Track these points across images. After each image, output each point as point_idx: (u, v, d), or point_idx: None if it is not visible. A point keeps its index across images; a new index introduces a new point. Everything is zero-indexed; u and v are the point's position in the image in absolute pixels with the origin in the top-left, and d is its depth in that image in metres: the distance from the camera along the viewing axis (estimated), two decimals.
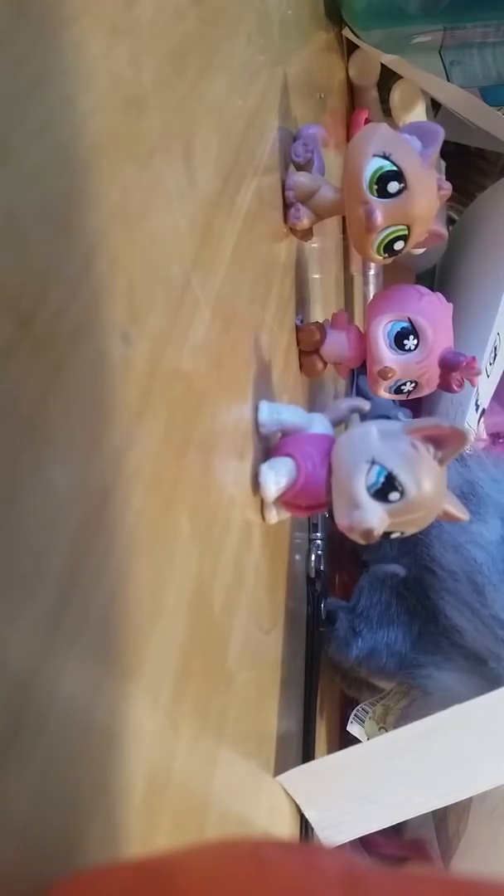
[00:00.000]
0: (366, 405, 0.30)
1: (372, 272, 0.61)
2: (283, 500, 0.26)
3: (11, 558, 0.10)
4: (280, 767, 0.29)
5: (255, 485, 0.25)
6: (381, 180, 0.28)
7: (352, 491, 0.23)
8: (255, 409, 0.26)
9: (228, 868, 0.11)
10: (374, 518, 0.23)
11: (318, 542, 0.38)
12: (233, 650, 0.22)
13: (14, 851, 0.10)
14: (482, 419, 0.61)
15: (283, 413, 0.26)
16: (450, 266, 0.71)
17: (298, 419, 0.27)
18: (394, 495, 0.23)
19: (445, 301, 0.32)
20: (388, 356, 0.31)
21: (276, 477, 0.25)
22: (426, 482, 0.23)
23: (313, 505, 0.26)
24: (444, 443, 0.23)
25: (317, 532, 0.38)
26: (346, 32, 0.55)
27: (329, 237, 0.48)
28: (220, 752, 0.20)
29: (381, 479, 0.23)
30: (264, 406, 0.26)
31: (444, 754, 0.32)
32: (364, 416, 0.34)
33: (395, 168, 0.28)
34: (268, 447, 0.27)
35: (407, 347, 0.31)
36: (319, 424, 0.27)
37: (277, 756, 0.29)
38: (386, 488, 0.23)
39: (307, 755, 0.34)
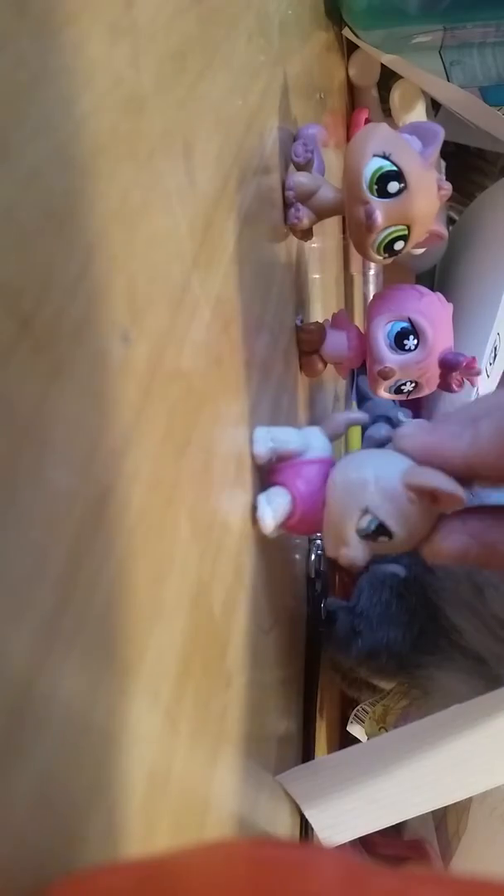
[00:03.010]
0: (364, 419, 0.30)
1: (372, 272, 0.61)
2: (281, 528, 0.26)
3: (11, 559, 0.10)
4: (280, 767, 0.29)
5: (256, 485, 0.25)
6: (381, 180, 0.28)
7: (342, 530, 0.24)
8: (255, 409, 0.26)
9: (229, 868, 0.11)
10: (360, 555, 0.24)
11: (318, 542, 0.38)
12: (233, 650, 0.22)
13: (14, 851, 0.10)
14: None
15: (279, 439, 0.26)
16: (450, 266, 0.71)
17: (294, 444, 0.26)
18: (382, 539, 0.23)
19: (445, 301, 0.32)
20: (388, 356, 0.31)
21: (274, 512, 0.25)
22: (416, 530, 0.23)
23: (311, 531, 0.26)
24: (441, 501, 0.23)
25: (317, 532, 0.38)
26: (346, 32, 0.55)
27: (329, 237, 0.48)
28: (220, 752, 0.20)
29: (373, 528, 0.23)
30: (259, 435, 0.26)
31: (444, 754, 0.32)
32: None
33: (395, 168, 0.28)
34: None
35: (407, 347, 0.31)
36: (316, 443, 0.27)
37: (277, 756, 0.29)
38: (375, 534, 0.23)
39: (307, 755, 0.34)
